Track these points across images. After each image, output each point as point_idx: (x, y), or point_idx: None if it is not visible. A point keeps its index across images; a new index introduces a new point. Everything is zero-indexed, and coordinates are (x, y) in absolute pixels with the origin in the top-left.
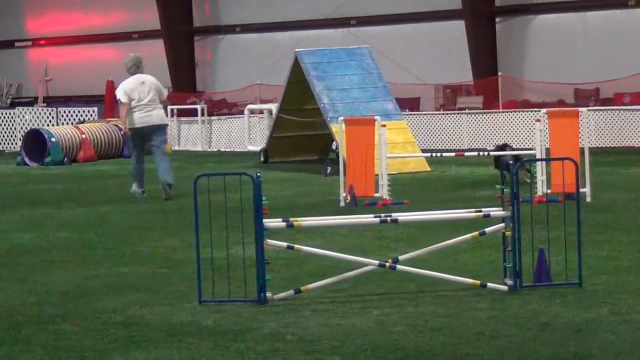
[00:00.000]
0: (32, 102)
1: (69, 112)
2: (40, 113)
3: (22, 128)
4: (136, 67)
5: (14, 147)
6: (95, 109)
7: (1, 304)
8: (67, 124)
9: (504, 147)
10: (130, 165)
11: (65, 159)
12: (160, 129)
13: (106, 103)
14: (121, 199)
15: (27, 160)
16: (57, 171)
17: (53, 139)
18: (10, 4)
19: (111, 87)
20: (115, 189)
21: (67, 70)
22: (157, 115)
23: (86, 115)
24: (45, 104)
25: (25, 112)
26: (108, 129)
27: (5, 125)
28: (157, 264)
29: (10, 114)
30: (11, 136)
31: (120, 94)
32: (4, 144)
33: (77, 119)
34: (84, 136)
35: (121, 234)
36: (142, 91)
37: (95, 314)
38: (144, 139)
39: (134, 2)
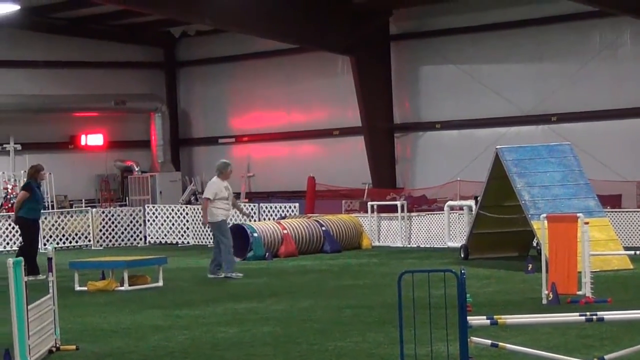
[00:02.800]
0: (234, 198)
1: (271, 207)
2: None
3: None
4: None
5: None
6: (297, 204)
7: None
8: (269, 219)
9: None
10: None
11: (267, 253)
12: None
13: (307, 199)
14: (322, 293)
15: None
16: (259, 266)
17: (255, 234)
18: (216, 102)
19: (312, 183)
20: (316, 284)
21: (269, 167)
22: None
23: (287, 211)
24: (247, 200)
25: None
26: (309, 224)
27: None
28: (360, 359)
29: None
30: None
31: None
32: (208, 238)
33: (278, 215)
34: (285, 231)
35: (323, 329)
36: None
37: None
38: None
39: (335, 100)
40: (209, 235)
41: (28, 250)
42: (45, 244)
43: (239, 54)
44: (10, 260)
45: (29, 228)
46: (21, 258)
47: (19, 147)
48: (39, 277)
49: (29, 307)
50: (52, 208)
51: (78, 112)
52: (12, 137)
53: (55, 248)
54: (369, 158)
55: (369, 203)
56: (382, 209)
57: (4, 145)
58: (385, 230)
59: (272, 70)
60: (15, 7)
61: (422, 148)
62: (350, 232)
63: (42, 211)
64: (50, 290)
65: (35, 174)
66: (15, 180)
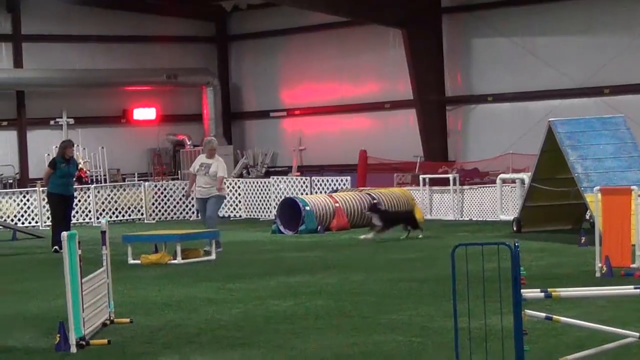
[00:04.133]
0: (286, 171)
1: (323, 181)
2: (294, 182)
3: (276, 197)
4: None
5: (269, 216)
6: (348, 178)
7: None
8: (321, 192)
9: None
10: None
11: (319, 227)
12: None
13: (359, 172)
14: (375, 267)
15: (281, 228)
16: (311, 239)
17: (307, 208)
18: (268, 76)
19: (364, 156)
20: (368, 257)
21: (320, 140)
22: None
23: (339, 184)
24: (299, 173)
25: (280, 181)
26: (361, 197)
27: (260, 193)
28: (413, 332)
29: (265, 182)
30: (266, 204)
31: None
32: (260, 212)
33: (330, 188)
34: (337, 205)
35: (376, 302)
36: None
37: None
38: None
39: (387, 73)
40: (261, 208)
41: (53, 224)
42: (98, 218)
43: (291, 28)
44: (65, 234)
45: (52, 203)
46: (75, 232)
47: (71, 121)
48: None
49: (83, 280)
50: (105, 182)
51: (130, 86)
52: (65, 111)
53: (108, 221)
54: (421, 131)
55: (421, 176)
56: (434, 182)
57: (57, 120)
58: (437, 204)
59: (324, 43)
60: None
61: (474, 121)
62: (402, 205)
63: (72, 186)
64: (104, 264)
65: (62, 150)
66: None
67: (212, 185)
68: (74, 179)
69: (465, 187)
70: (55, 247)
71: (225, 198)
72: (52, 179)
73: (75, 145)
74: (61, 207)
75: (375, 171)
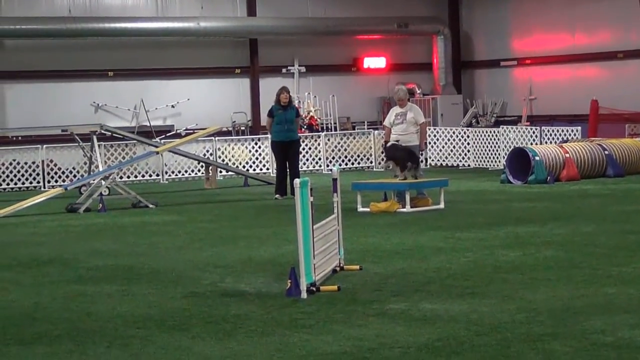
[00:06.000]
0: (515, 121)
1: (553, 131)
2: (524, 132)
3: (506, 146)
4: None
5: (498, 165)
6: (579, 128)
7: (489, 320)
8: (551, 142)
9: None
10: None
11: (549, 177)
12: None
13: (590, 122)
14: (605, 218)
15: (510, 178)
16: (540, 190)
17: (537, 158)
18: (498, 25)
19: (595, 106)
20: (598, 208)
21: (551, 90)
22: None
23: (570, 135)
24: (529, 123)
25: (510, 131)
26: (591, 148)
27: (490, 143)
28: None
29: (494, 132)
30: (495, 154)
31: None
32: (489, 161)
33: (560, 138)
34: (567, 155)
35: (607, 254)
36: None
37: (584, 334)
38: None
39: (619, 22)
40: (490, 158)
41: (278, 171)
42: (328, 165)
43: None
44: (297, 181)
45: (273, 150)
46: (307, 179)
47: (303, 69)
48: (284, 198)
49: (314, 227)
50: (335, 130)
51: (361, 34)
52: (297, 59)
53: (338, 169)
54: None
55: None
56: None
57: (289, 68)
58: None
59: None
60: None
61: None
62: (634, 156)
63: (293, 132)
64: (335, 211)
65: (277, 97)
66: (299, 102)
67: (413, 132)
68: (295, 125)
69: None
70: (276, 195)
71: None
72: (272, 126)
73: (289, 92)
74: (282, 155)
75: (606, 121)
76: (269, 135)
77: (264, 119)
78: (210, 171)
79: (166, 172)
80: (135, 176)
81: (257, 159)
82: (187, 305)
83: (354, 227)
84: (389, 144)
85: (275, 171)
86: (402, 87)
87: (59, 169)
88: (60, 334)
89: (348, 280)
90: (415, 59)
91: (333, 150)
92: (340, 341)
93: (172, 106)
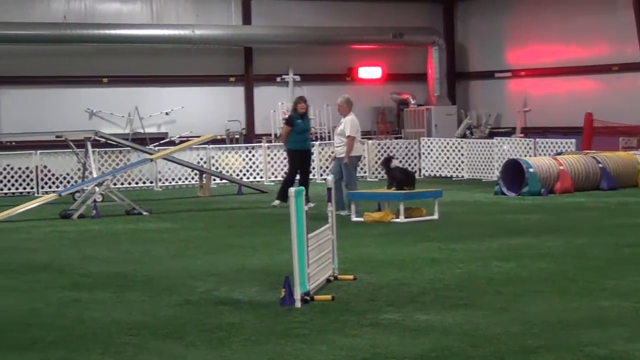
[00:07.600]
0: (510, 133)
1: (547, 143)
2: (518, 143)
3: (499, 158)
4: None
5: (492, 177)
6: (573, 140)
7: (483, 332)
8: (545, 154)
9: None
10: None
11: (543, 189)
12: None
13: (584, 135)
14: (599, 231)
15: (504, 189)
16: (534, 202)
17: (531, 170)
18: (493, 36)
19: (589, 119)
20: (592, 221)
21: (545, 102)
22: None
23: (564, 147)
24: (523, 135)
25: (504, 142)
26: (586, 160)
27: (483, 154)
28: (639, 298)
29: (488, 143)
30: (489, 165)
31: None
32: (482, 172)
33: (554, 151)
34: (561, 167)
35: (601, 266)
36: None
37: (579, 346)
38: None
39: (614, 35)
40: (484, 169)
41: (288, 179)
42: (322, 175)
43: None
44: (292, 190)
45: (292, 158)
46: (302, 188)
47: (297, 78)
48: (281, 206)
49: (309, 235)
50: (329, 139)
51: (356, 44)
52: (291, 68)
53: (334, 179)
54: None
55: None
56: None
57: (283, 76)
58: None
59: (549, 4)
60: None
61: None
62: (628, 169)
63: (310, 141)
64: (330, 220)
65: (294, 106)
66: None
67: (343, 144)
68: (310, 134)
69: None
70: (276, 201)
71: (358, 159)
72: (291, 135)
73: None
74: (299, 163)
75: (600, 134)
76: (264, 144)
77: (268, 127)
78: (204, 179)
79: (160, 180)
80: (129, 183)
81: (250, 167)
82: (181, 313)
83: (348, 236)
84: (392, 165)
85: (285, 177)
86: (343, 95)
87: (53, 174)
88: (54, 341)
89: (342, 290)
90: (410, 69)
91: (327, 160)
92: (334, 351)
93: (167, 113)
